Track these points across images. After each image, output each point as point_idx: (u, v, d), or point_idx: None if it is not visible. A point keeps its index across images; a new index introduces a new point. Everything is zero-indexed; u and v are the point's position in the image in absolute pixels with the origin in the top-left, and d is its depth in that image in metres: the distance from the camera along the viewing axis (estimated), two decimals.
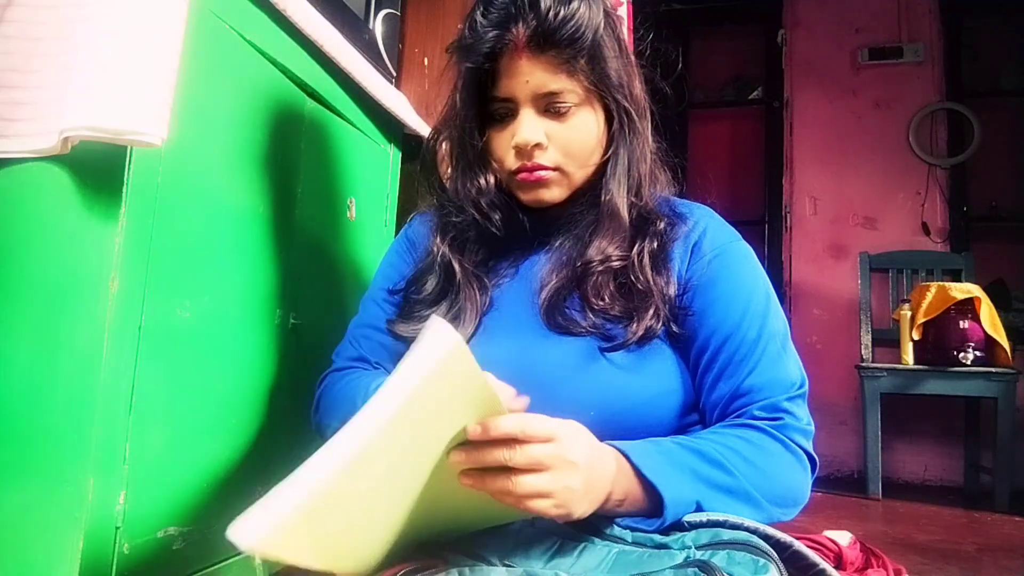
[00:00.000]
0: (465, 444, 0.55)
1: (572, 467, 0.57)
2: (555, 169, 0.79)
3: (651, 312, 0.75)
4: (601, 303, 0.76)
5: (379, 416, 0.49)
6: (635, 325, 0.74)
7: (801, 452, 0.73)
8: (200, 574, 0.85)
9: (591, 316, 0.76)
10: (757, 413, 0.73)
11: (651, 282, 0.76)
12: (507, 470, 0.55)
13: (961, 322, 2.71)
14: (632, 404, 0.73)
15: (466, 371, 0.51)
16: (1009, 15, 3.42)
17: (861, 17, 3.56)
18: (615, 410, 0.72)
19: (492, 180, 0.82)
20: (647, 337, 0.74)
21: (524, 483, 0.55)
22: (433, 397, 0.51)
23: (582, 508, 0.60)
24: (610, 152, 0.81)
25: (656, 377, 0.75)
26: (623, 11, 1.78)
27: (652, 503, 0.65)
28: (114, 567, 0.71)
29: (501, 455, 0.54)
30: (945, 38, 3.46)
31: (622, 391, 0.73)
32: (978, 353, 2.68)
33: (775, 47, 3.73)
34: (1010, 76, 3.47)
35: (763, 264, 0.83)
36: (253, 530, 0.43)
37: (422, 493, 0.57)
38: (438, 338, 0.49)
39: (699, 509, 0.66)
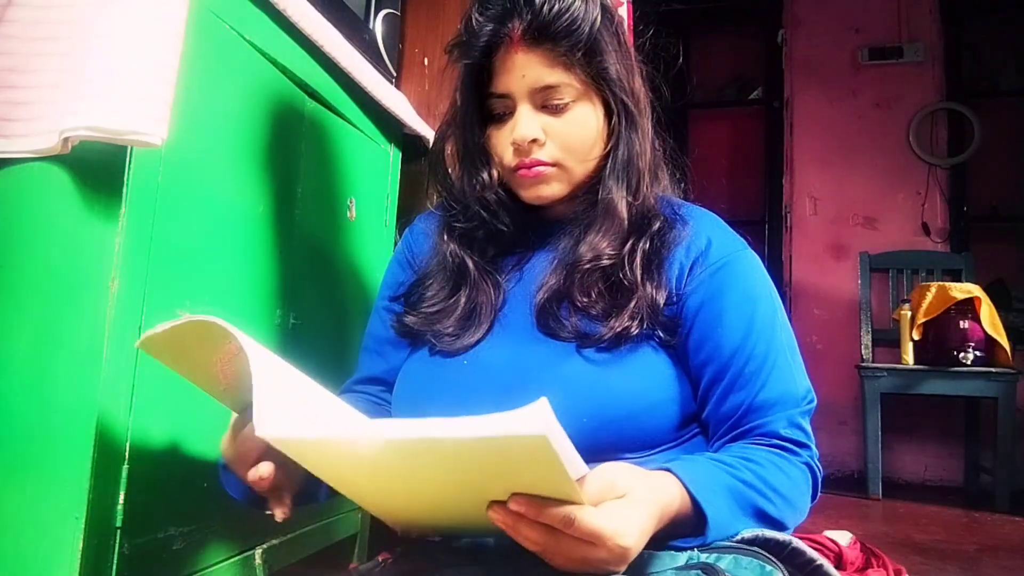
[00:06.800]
0: (526, 497, 0.52)
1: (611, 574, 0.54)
2: (554, 165, 0.77)
3: (630, 310, 0.73)
4: (585, 300, 0.74)
5: (427, 432, 0.47)
6: (613, 321, 0.72)
7: (810, 473, 0.74)
8: (200, 574, 0.85)
9: (574, 316, 0.74)
10: (784, 432, 0.72)
11: (638, 281, 0.75)
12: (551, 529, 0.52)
13: (961, 322, 2.71)
14: (628, 412, 0.71)
15: (547, 460, 0.47)
16: (1009, 15, 3.42)
17: (861, 17, 3.56)
18: (609, 418, 0.69)
19: (496, 175, 0.81)
20: (623, 336, 0.72)
21: (560, 559, 0.53)
22: (494, 454, 0.49)
23: None
24: (610, 147, 0.80)
25: (651, 383, 0.73)
26: (623, 11, 1.77)
27: (693, 529, 0.64)
28: (114, 567, 0.71)
29: (558, 520, 0.51)
30: (945, 38, 3.46)
31: (606, 392, 0.70)
32: (978, 353, 2.68)
33: (775, 47, 3.73)
34: (1010, 76, 3.47)
35: (763, 264, 0.82)
36: (275, 429, 0.50)
37: (439, 502, 0.58)
38: (531, 415, 0.46)
39: None
